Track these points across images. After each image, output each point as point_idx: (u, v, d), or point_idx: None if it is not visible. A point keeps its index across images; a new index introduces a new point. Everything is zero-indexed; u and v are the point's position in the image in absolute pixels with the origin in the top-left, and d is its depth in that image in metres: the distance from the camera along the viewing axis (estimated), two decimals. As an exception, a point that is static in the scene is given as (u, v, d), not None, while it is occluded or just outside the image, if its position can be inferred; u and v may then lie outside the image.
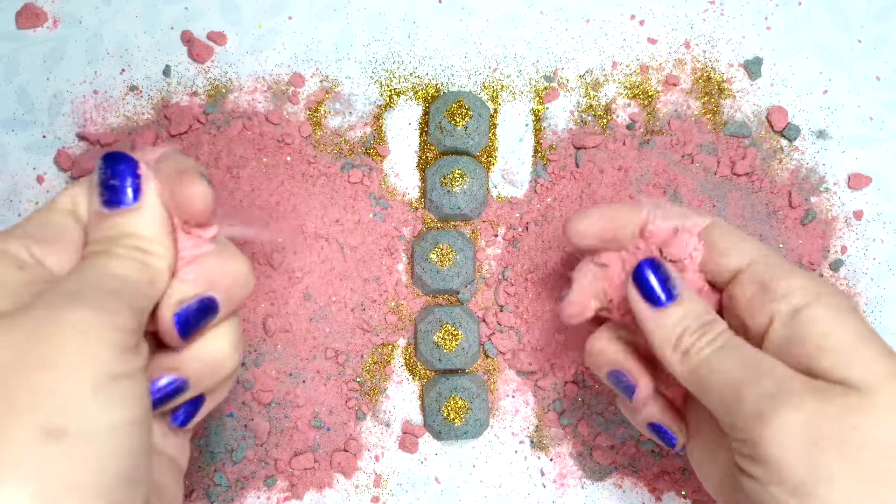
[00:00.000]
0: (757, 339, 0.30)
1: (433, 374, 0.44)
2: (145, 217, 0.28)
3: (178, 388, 0.29)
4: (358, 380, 0.43)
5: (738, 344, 0.29)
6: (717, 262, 0.32)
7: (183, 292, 0.28)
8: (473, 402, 0.42)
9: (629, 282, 0.32)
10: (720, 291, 0.33)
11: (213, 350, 0.30)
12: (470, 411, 0.42)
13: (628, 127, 0.45)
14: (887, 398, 0.26)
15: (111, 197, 0.28)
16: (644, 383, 0.33)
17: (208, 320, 0.29)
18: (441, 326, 0.42)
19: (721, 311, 0.33)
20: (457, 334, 0.42)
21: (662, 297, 0.31)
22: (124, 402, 0.24)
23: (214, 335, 0.30)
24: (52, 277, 0.26)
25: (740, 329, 0.31)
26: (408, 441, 0.43)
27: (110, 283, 0.26)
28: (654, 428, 0.34)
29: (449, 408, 0.42)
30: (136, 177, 0.28)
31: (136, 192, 0.28)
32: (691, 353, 0.30)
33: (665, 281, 0.31)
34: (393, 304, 0.44)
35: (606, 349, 0.34)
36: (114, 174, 0.28)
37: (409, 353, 0.44)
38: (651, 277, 0.31)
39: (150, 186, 0.29)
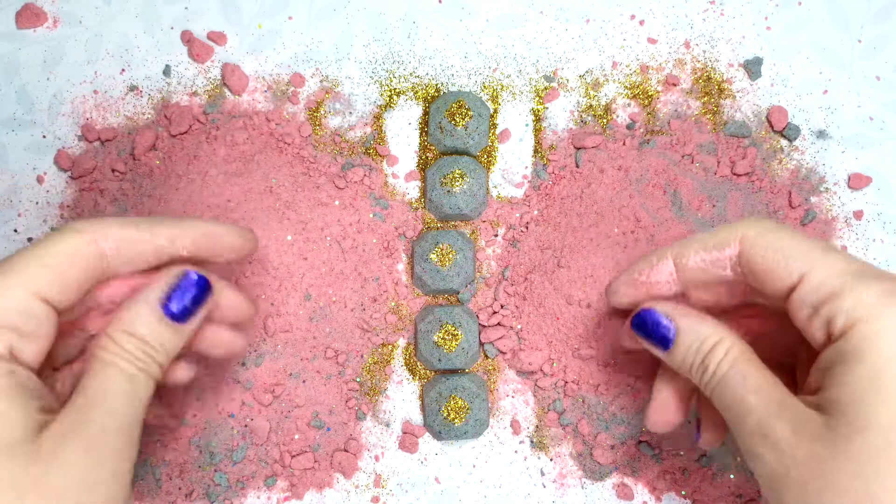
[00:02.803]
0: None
1: (433, 374, 0.44)
2: (182, 338, 0.31)
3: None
4: (358, 380, 0.43)
5: (734, 374, 0.30)
6: (762, 288, 0.31)
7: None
8: (473, 402, 0.42)
9: (636, 334, 0.34)
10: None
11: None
12: (470, 411, 0.42)
13: (628, 127, 0.45)
14: (855, 456, 0.26)
15: (180, 314, 0.31)
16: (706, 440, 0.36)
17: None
18: (441, 326, 0.42)
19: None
20: (457, 334, 0.42)
21: (666, 338, 0.32)
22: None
23: None
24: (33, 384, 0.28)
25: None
26: (408, 441, 0.43)
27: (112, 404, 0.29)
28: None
29: (449, 408, 0.42)
30: (202, 307, 0.32)
31: (194, 318, 0.32)
32: (702, 384, 0.32)
33: (657, 326, 0.33)
34: (393, 304, 0.44)
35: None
36: (194, 301, 0.31)
37: (409, 353, 0.44)
38: (643, 330, 0.33)
39: (201, 315, 0.32)
